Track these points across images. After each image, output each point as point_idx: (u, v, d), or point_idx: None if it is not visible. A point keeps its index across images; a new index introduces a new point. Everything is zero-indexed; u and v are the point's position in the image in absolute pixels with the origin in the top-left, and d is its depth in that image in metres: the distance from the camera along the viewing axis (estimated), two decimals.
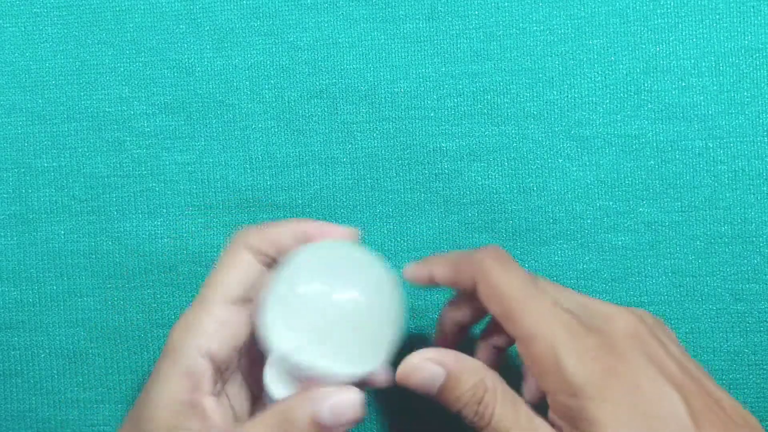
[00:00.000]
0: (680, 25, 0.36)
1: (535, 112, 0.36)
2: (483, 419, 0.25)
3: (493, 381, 0.26)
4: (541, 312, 0.25)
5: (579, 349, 0.24)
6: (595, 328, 0.25)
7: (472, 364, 0.26)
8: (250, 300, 0.28)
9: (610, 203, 0.36)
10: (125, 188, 0.38)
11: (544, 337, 0.25)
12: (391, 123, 0.37)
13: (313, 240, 0.29)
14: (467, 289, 0.28)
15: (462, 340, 0.31)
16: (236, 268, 0.28)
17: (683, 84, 0.36)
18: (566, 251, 0.36)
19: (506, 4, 0.37)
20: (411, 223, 0.37)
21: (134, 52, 0.38)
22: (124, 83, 0.38)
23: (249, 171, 0.38)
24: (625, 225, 0.36)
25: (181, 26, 0.38)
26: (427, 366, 0.26)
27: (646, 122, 0.36)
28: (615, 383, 0.23)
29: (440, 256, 0.29)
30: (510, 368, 0.38)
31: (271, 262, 0.29)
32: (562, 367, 0.24)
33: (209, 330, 0.27)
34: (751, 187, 0.36)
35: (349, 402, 0.26)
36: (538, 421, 0.25)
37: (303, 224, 0.29)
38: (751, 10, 0.36)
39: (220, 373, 0.28)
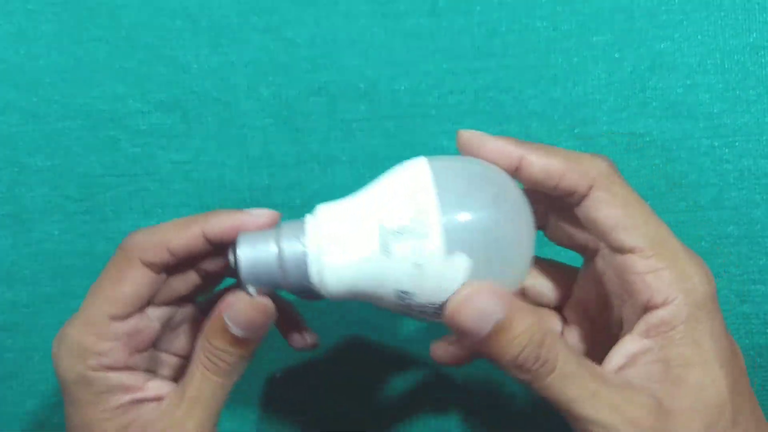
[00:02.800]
0: (686, 22, 0.36)
1: (538, 110, 0.36)
2: (547, 366, 0.22)
3: (547, 323, 0.23)
4: (660, 231, 0.24)
5: (682, 284, 0.23)
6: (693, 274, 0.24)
7: (525, 304, 0.23)
8: (140, 310, 0.27)
9: None
10: (120, 188, 0.38)
11: (661, 255, 0.24)
12: (391, 121, 0.37)
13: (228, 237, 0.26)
14: (559, 191, 0.25)
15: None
16: (127, 286, 0.26)
17: (689, 82, 0.36)
18: (571, 252, 0.36)
19: None
20: None
21: (129, 49, 0.38)
22: (118, 81, 0.38)
23: (246, 170, 0.37)
24: None
25: (176, 23, 0.37)
26: (484, 298, 0.22)
27: (651, 120, 0.36)
28: (705, 330, 0.23)
29: (533, 144, 0.25)
30: None
31: (168, 269, 0.27)
32: (669, 292, 0.23)
33: (101, 350, 0.26)
34: (758, 186, 0.35)
35: (252, 309, 0.24)
36: (599, 369, 0.23)
37: (210, 226, 0.26)
38: (757, 7, 0.36)
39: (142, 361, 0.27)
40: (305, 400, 0.38)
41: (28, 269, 0.38)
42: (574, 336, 0.29)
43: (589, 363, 0.23)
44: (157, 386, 0.27)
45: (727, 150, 0.36)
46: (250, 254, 0.24)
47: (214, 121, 0.37)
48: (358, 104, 0.37)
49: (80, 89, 0.38)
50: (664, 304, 0.23)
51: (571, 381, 0.22)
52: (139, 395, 0.26)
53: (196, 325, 0.30)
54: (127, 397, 0.26)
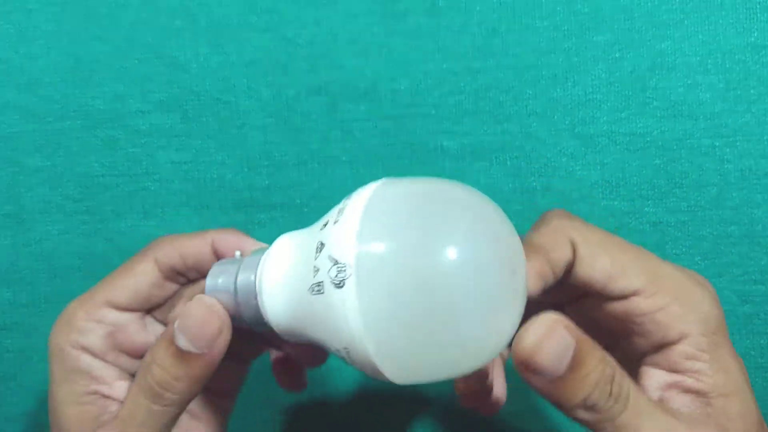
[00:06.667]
0: (686, 22, 0.36)
1: (538, 110, 0.36)
2: (618, 402, 0.20)
3: (610, 356, 0.21)
4: (649, 263, 0.23)
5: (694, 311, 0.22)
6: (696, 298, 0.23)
7: (586, 335, 0.21)
8: (139, 310, 0.27)
9: (616, 203, 0.36)
10: (119, 188, 0.38)
11: (663, 290, 0.23)
12: (391, 121, 0.37)
13: (227, 255, 0.26)
14: (558, 264, 0.23)
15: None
16: (131, 277, 0.26)
17: (689, 81, 0.36)
18: None
19: None
20: None
21: (129, 48, 0.37)
22: (118, 80, 0.38)
23: (246, 170, 0.37)
24: (631, 225, 0.36)
25: (176, 22, 0.37)
26: (561, 332, 0.20)
27: (652, 120, 0.36)
28: (725, 361, 0.23)
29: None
30: None
31: (177, 276, 0.27)
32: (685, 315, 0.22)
33: (83, 327, 0.25)
34: (759, 186, 0.35)
35: (203, 310, 0.23)
36: (661, 409, 0.22)
37: (223, 237, 0.26)
38: (758, 6, 0.36)
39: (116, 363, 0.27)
40: (305, 401, 0.38)
41: (28, 269, 0.38)
42: None
43: (651, 398, 0.22)
44: (125, 388, 0.26)
45: (728, 150, 0.35)
46: (212, 285, 0.24)
47: (214, 121, 0.37)
48: (358, 104, 0.37)
49: (80, 89, 0.38)
50: (681, 338, 0.22)
51: (646, 418, 0.21)
52: (104, 389, 0.26)
53: None
54: (92, 386, 0.25)
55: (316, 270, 0.20)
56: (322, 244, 0.20)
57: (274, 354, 0.30)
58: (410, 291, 0.18)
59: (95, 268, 0.38)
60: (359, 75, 0.37)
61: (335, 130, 0.37)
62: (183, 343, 0.23)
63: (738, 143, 0.35)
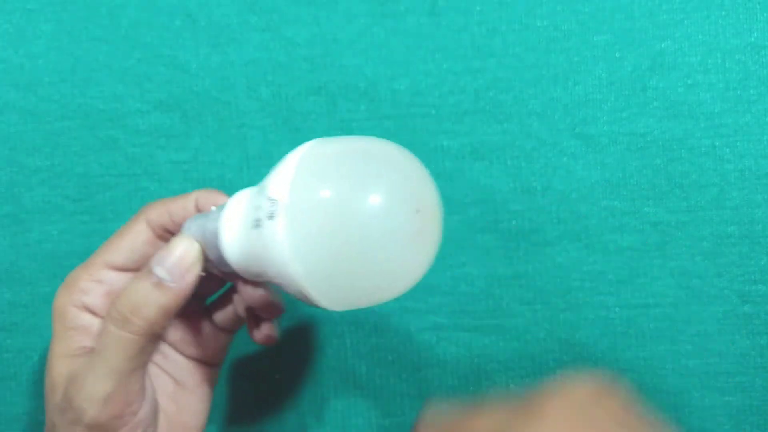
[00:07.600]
0: (686, 22, 0.36)
1: (538, 110, 0.36)
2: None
3: None
4: None
5: None
6: None
7: None
8: (135, 269, 0.28)
9: (616, 203, 0.36)
10: (119, 188, 0.38)
11: None
12: (391, 121, 0.37)
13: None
14: None
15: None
16: (126, 238, 0.28)
17: (689, 81, 0.36)
18: (571, 252, 0.36)
19: None
20: None
21: (128, 48, 0.37)
22: (118, 80, 0.37)
23: (246, 170, 0.37)
24: (631, 225, 0.36)
25: (176, 22, 0.37)
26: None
27: (652, 120, 0.36)
28: None
29: None
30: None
31: (166, 234, 0.29)
32: None
33: (85, 287, 0.27)
34: (759, 186, 0.35)
35: (181, 246, 0.25)
36: None
37: (206, 195, 0.28)
38: (758, 6, 0.36)
39: None
40: (305, 400, 0.38)
41: (27, 269, 0.38)
42: None
43: None
44: None
45: (728, 150, 0.35)
46: (186, 232, 0.27)
47: (214, 121, 0.37)
48: (358, 104, 0.37)
49: (79, 89, 0.38)
50: None
51: None
52: (91, 344, 0.27)
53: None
54: (87, 342, 0.27)
55: (257, 208, 0.24)
56: (264, 188, 0.24)
57: (242, 306, 0.30)
58: (327, 223, 0.22)
59: None
60: (359, 75, 0.37)
61: (335, 130, 0.37)
62: (160, 272, 0.25)
63: (738, 143, 0.35)
